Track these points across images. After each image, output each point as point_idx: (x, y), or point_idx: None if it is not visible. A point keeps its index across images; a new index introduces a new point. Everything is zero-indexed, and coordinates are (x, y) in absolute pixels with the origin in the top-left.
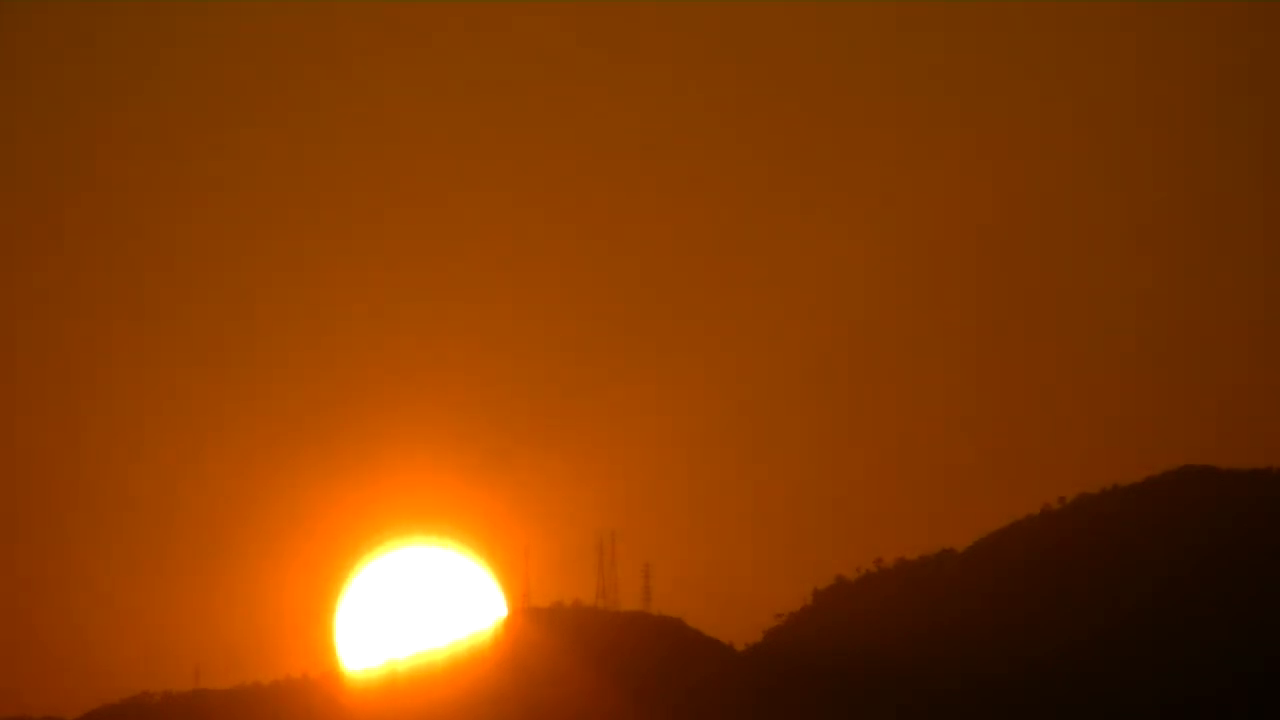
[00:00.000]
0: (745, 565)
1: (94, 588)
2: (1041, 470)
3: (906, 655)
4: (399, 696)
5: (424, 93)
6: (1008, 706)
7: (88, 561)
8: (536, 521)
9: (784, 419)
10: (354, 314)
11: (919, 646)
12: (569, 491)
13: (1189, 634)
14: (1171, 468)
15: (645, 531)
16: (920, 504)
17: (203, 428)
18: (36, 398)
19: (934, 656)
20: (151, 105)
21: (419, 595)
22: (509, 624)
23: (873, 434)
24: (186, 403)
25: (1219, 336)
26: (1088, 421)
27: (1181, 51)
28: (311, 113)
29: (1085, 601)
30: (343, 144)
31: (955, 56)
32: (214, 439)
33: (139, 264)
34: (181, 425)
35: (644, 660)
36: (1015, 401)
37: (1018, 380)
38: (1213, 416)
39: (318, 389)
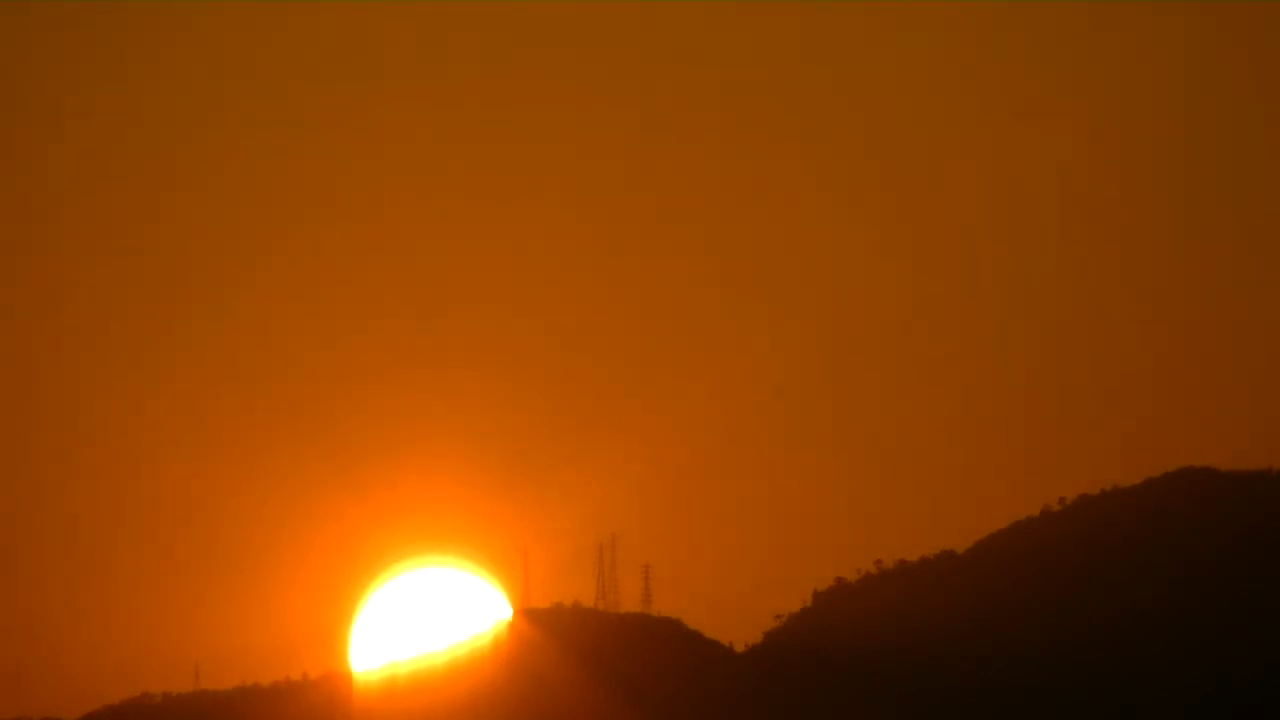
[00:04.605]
0: (745, 566)
1: (95, 589)
2: (1041, 471)
3: (906, 656)
4: (400, 698)
5: (433, 92)
6: (1008, 706)
7: (88, 563)
8: (536, 523)
9: (784, 420)
10: (352, 315)
11: (919, 647)
12: (569, 493)
13: (1189, 635)
14: (1171, 469)
15: (645, 532)
16: (920, 505)
17: (205, 433)
18: (42, 398)
19: (934, 657)
20: (150, 105)
21: (421, 601)
22: (509, 626)
23: (872, 435)
24: (188, 405)
25: (1219, 336)
26: (1088, 422)
27: (1182, 51)
28: (319, 112)
29: (1085, 602)
30: (348, 146)
31: (961, 57)
32: (216, 445)
33: (158, 268)
34: (183, 429)
35: (643, 661)
36: (1015, 402)
37: (1018, 381)
38: (1213, 417)
39: (316, 390)
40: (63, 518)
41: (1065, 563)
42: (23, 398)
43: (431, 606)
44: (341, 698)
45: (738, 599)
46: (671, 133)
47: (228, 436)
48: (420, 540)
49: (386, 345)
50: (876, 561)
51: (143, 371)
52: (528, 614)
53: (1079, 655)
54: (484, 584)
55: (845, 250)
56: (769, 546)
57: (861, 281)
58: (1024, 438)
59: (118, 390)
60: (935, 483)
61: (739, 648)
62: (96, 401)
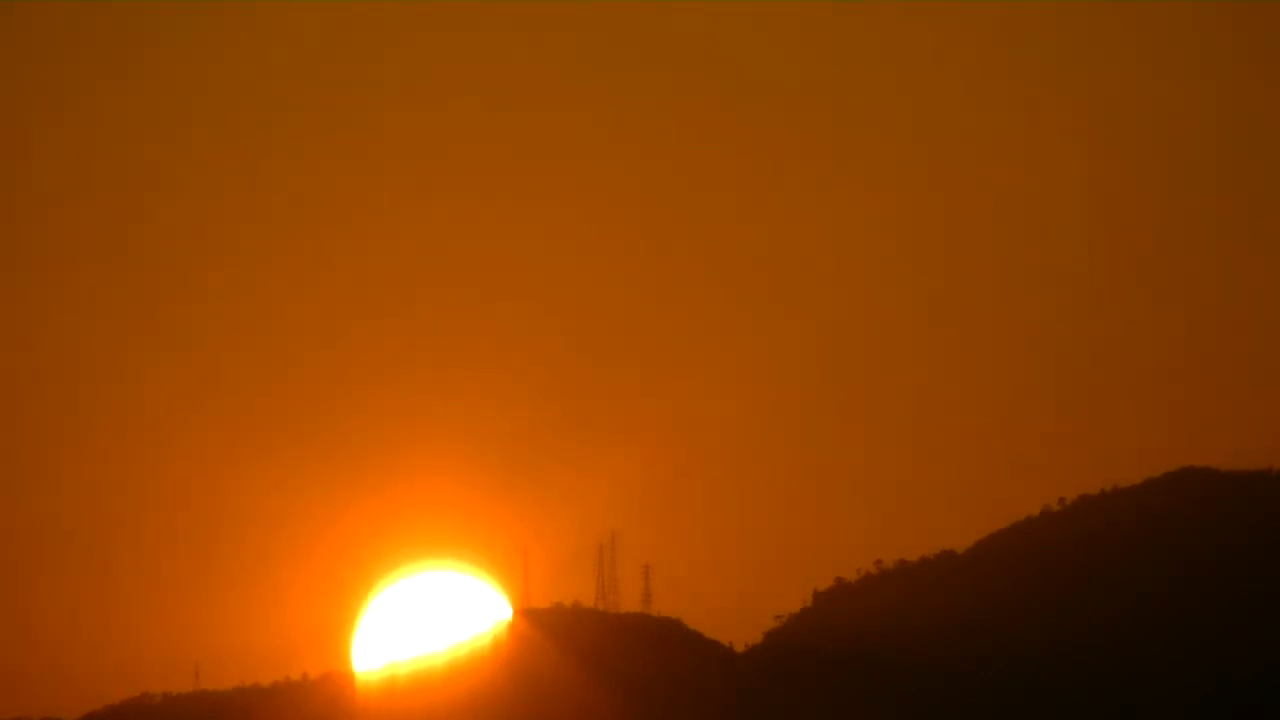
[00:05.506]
0: (745, 566)
1: (95, 589)
2: (1041, 471)
3: (906, 656)
4: (400, 698)
5: (433, 92)
6: (1008, 706)
7: (88, 563)
8: (536, 523)
9: (784, 420)
10: (352, 315)
11: (919, 647)
12: (569, 493)
13: (1189, 635)
14: (1171, 469)
15: (645, 532)
16: (920, 504)
17: (206, 434)
18: (42, 398)
19: (934, 657)
20: (150, 105)
21: (421, 601)
22: (509, 626)
23: (872, 435)
24: (189, 406)
25: (1219, 336)
26: (1088, 422)
27: (1182, 51)
28: (319, 112)
29: (1085, 602)
30: (348, 146)
31: (960, 56)
32: (217, 446)
33: (159, 267)
34: (183, 430)
35: (643, 661)
36: (1015, 402)
37: (1018, 381)
38: (1213, 417)
39: (317, 391)
40: (63, 518)
41: (1065, 563)
42: (23, 398)
43: (432, 607)
44: (342, 698)
45: (738, 599)
46: (672, 132)
47: (229, 437)
48: (421, 541)
49: (386, 345)
50: (876, 561)
51: (144, 372)
52: (528, 614)
53: (1079, 655)
54: (484, 585)
55: (845, 250)
56: (769, 546)
57: (862, 281)
58: (1024, 438)
59: (118, 390)
60: (935, 483)
61: (739, 648)
62: (97, 402)
